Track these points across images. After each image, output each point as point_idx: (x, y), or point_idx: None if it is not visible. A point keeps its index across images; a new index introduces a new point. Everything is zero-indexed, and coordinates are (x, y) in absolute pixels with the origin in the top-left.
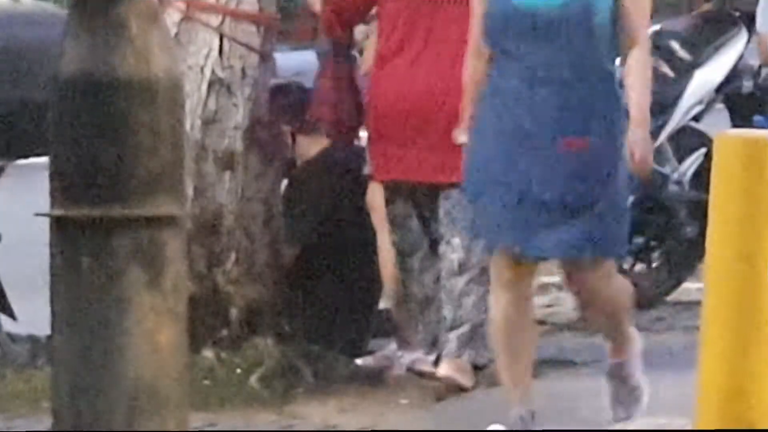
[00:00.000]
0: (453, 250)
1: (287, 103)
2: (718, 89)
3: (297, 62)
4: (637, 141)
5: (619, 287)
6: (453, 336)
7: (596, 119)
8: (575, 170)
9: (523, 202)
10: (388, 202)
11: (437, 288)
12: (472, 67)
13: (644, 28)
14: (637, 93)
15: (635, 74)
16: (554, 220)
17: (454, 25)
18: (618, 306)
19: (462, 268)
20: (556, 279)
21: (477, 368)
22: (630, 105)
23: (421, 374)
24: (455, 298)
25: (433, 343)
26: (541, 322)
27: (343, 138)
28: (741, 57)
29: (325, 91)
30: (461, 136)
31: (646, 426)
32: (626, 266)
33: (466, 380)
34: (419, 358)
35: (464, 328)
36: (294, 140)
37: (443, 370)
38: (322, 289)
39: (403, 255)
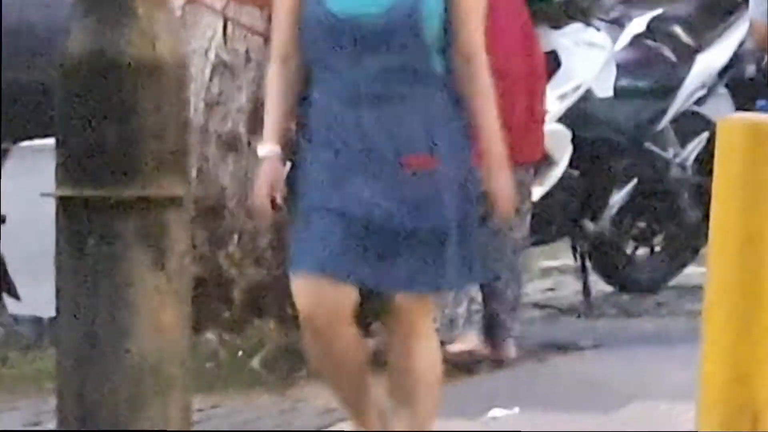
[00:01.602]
0: (511, 228)
1: None
2: (721, 73)
3: None
4: (500, 188)
5: (436, 348)
6: (515, 317)
7: (438, 134)
8: (423, 192)
9: (359, 230)
10: None
11: None
12: (277, 75)
13: (480, 36)
14: (488, 121)
15: (482, 97)
16: (399, 249)
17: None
18: (430, 368)
19: (522, 246)
20: (558, 263)
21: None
22: (482, 137)
23: None
24: (518, 278)
25: (453, 325)
26: (543, 306)
27: None
28: (743, 41)
29: None
30: (262, 150)
31: (650, 411)
32: (629, 250)
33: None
34: None
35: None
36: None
37: (511, 351)
38: None
39: None
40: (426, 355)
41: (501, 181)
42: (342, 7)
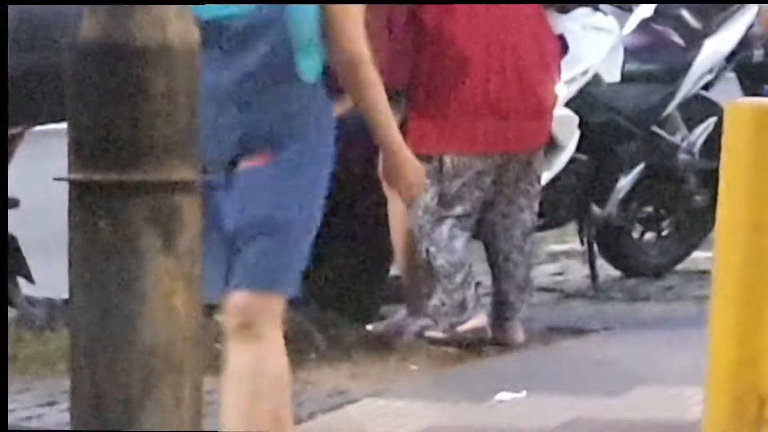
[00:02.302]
0: (521, 210)
1: None
2: (729, 58)
3: None
4: (400, 177)
5: (262, 358)
6: (524, 298)
7: (291, 132)
8: (252, 190)
9: (209, 234)
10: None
11: (467, 253)
12: None
13: (359, 31)
14: (379, 115)
15: (368, 91)
16: (233, 248)
17: None
18: (273, 378)
19: (531, 229)
20: (565, 247)
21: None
22: (375, 132)
23: (431, 340)
24: (528, 260)
25: (463, 307)
26: (550, 290)
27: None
28: (751, 26)
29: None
30: None
31: (657, 394)
32: (636, 235)
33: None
34: (429, 324)
35: (530, 290)
36: None
37: (519, 335)
38: (333, 255)
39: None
40: (242, 360)
41: (400, 170)
42: (208, 10)
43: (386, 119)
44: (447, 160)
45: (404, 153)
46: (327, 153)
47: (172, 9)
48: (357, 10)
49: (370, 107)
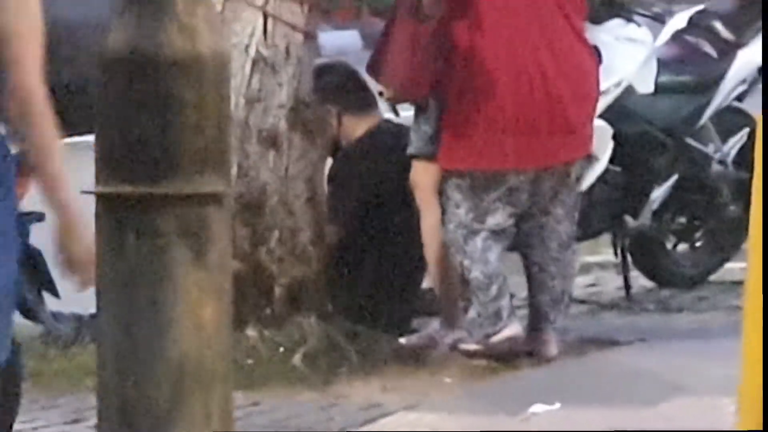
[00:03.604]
0: (558, 221)
1: (333, 82)
2: (761, 69)
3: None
4: (62, 227)
5: None
6: (560, 310)
7: None
8: None
9: None
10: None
11: (501, 264)
12: None
13: (35, 76)
14: (51, 158)
15: (41, 138)
16: None
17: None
18: None
19: (569, 241)
20: (599, 258)
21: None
22: (41, 175)
23: (465, 353)
24: (565, 271)
25: (497, 317)
26: (584, 302)
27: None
28: None
29: (393, 52)
30: None
31: (691, 405)
32: (669, 246)
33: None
34: (463, 336)
35: (567, 302)
36: (340, 121)
37: (552, 347)
38: (365, 268)
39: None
40: None
41: (69, 233)
42: None
43: (53, 162)
44: (478, 175)
45: (73, 211)
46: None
47: (201, 19)
48: (36, 43)
49: (38, 145)
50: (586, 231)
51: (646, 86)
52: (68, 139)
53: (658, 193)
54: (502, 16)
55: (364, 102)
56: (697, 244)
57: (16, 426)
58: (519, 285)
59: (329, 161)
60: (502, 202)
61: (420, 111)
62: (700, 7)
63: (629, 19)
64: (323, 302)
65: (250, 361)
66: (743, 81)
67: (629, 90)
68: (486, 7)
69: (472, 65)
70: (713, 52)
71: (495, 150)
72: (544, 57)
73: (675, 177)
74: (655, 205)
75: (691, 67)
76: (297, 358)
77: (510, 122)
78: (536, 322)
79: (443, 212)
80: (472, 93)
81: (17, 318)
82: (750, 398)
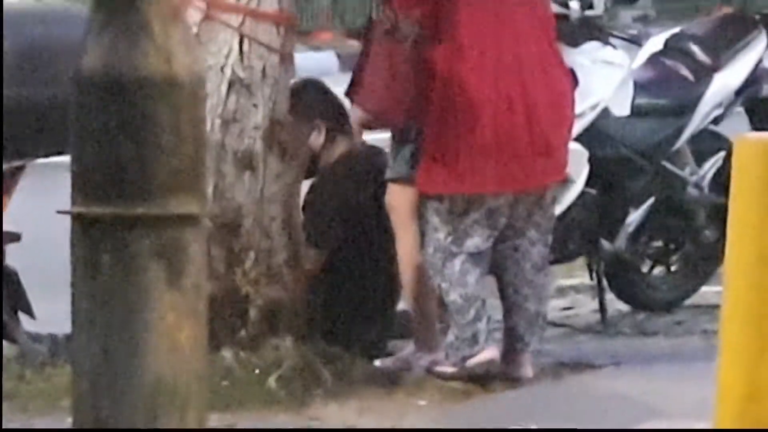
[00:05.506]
0: (532, 243)
1: (310, 103)
2: (738, 92)
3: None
4: None
5: None
6: (534, 332)
7: None
8: None
9: None
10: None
11: (479, 287)
12: None
13: None
14: None
15: None
16: None
17: (533, 33)
18: None
19: (543, 263)
20: (574, 281)
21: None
22: None
23: (440, 376)
24: (539, 293)
25: (474, 340)
26: (560, 325)
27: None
28: (760, 60)
29: (370, 76)
30: None
31: (666, 428)
32: (645, 269)
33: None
34: (438, 359)
35: (542, 324)
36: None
37: (528, 369)
38: (341, 290)
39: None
40: None
41: None
42: None
43: None
44: (457, 198)
45: None
46: None
47: (177, 41)
48: None
49: None
50: (562, 254)
51: (622, 109)
52: (44, 159)
53: (634, 217)
54: (480, 40)
55: (340, 122)
56: (673, 267)
57: None
58: (496, 307)
59: (306, 183)
60: (481, 225)
61: (398, 134)
62: (677, 30)
63: (606, 42)
64: (299, 324)
65: (225, 383)
66: (719, 104)
67: (605, 113)
68: (465, 30)
69: (452, 89)
70: (690, 75)
71: (475, 174)
72: (523, 80)
73: (651, 200)
74: (630, 229)
75: (667, 90)
76: (272, 380)
77: (490, 146)
78: (511, 344)
79: (422, 235)
80: (452, 117)
81: None
82: (725, 423)
